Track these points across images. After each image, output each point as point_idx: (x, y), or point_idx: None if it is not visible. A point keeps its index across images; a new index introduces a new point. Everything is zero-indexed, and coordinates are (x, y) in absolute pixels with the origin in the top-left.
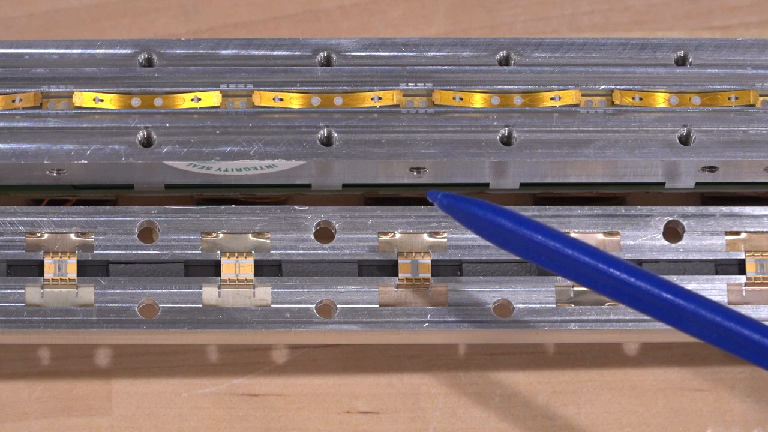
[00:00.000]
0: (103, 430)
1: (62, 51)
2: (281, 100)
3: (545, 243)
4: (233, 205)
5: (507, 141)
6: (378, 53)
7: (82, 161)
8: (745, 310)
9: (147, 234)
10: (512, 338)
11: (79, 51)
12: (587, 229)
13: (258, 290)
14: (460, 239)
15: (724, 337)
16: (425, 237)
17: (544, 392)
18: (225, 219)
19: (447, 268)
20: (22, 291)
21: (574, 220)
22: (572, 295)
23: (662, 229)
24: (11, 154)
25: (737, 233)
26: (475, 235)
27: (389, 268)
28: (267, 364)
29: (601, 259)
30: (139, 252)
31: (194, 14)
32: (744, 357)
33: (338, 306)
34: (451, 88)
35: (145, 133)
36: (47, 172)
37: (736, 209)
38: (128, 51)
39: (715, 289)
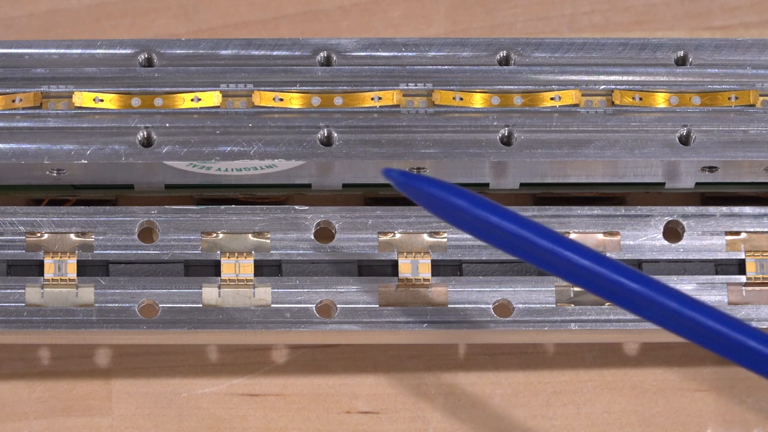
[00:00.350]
0: (103, 430)
1: (62, 51)
2: (281, 100)
3: (499, 224)
4: (233, 205)
5: (507, 141)
6: (378, 53)
7: (82, 161)
8: (745, 310)
9: (147, 234)
10: (512, 338)
11: (79, 51)
12: (587, 229)
13: (258, 290)
14: (460, 239)
15: (696, 332)
16: (425, 237)
17: (544, 392)
18: (225, 219)
19: (447, 268)
20: (22, 291)
21: (574, 220)
22: (572, 295)
23: (662, 229)
24: (11, 154)
25: (737, 233)
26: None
27: (389, 268)
28: (267, 364)
29: (560, 243)
30: (139, 252)
31: (194, 14)
32: (722, 354)
33: (338, 306)
34: (451, 88)
35: (145, 133)
36: (47, 172)
37: (736, 209)
38: (128, 51)
39: (715, 289)
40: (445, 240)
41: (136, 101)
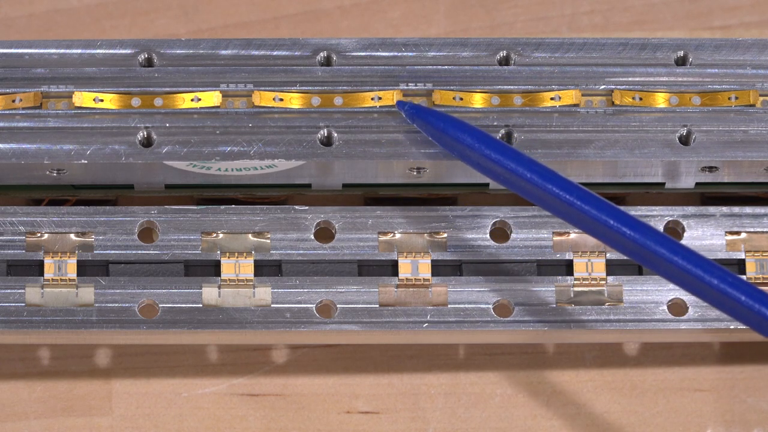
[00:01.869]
0: (103, 430)
1: (62, 51)
2: (281, 100)
3: (501, 161)
4: (233, 205)
5: (507, 141)
6: (378, 53)
7: (82, 161)
8: None
9: (147, 234)
10: (512, 338)
11: (79, 51)
12: None
13: (258, 290)
14: (460, 239)
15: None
16: (425, 237)
17: (544, 392)
18: (225, 219)
19: (447, 268)
20: (22, 291)
21: None
22: (572, 295)
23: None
24: (11, 154)
25: (737, 233)
26: (475, 235)
27: (389, 268)
28: (267, 364)
29: (553, 180)
30: (139, 252)
31: (194, 14)
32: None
33: (338, 306)
34: (451, 88)
35: (145, 133)
36: (47, 172)
37: (736, 209)
38: (128, 51)
39: None
40: (445, 240)
41: (136, 101)
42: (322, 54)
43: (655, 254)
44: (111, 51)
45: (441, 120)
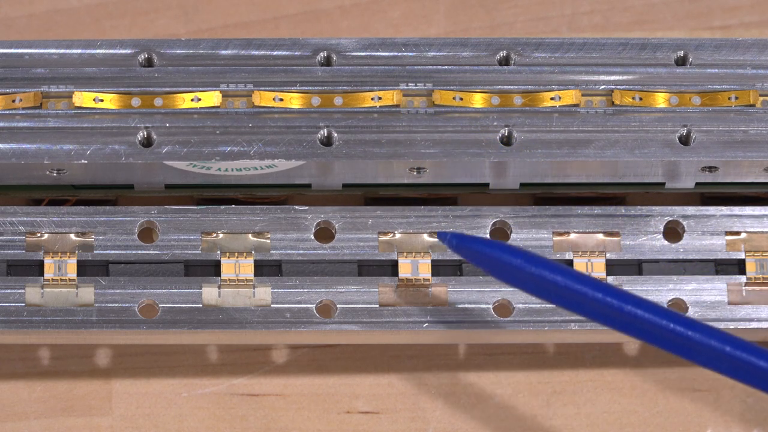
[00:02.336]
0: (103, 430)
1: (62, 51)
2: (281, 100)
3: (553, 279)
4: (233, 205)
5: (507, 141)
6: (378, 53)
7: (82, 161)
8: (745, 310)
9: (147, 234)
10: (512, 338)
11: (79, 51)
12: (587, 229)
13: (258, 290)
14: None
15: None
16: (425, 237)
17: (544, 392)
18: (225, 219)
19: (447, 268)
20: (22, 291)
21: (574, 220)
22: None
23: (662, 229)
24: (11, 154)
25: (737, 233)
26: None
27: (389, 268)
28: (267, 364)
29: (616, 296)
30: (139, 252)
31: (194, 14)
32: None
33: (338, 306)
34: (451, 88)
35: (145, 133)
36: (47, 172)
37: (736, 209)
38: (128, 51)
39: (715, 289)
40: None
41: (136, 101)
42: (322, 54)
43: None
44: (111, 51)
45: (489, 246)
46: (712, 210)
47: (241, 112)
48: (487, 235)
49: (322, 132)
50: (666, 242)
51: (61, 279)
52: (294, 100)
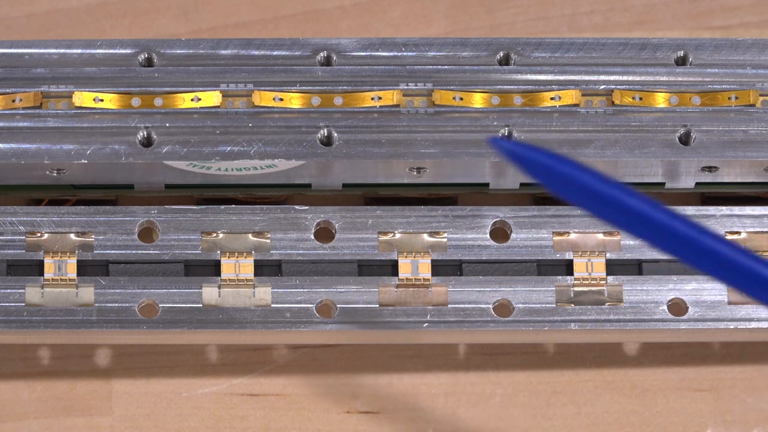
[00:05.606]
0: (103, 430)
1: (62, 51)
2: (281, 100)
3: (602, 190)
4: (233, 205)
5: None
6: (378, 53)
7: (82, 161)
8: (746, 310)
9: (147, 234)
10: (512, 338)
11: (79, 51)
12: (587, 228)
13: (258, 290)
14: (460, 239)
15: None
16: (425, 237)
17: (544, 392)
18: (225, 219)
19: (447, 268)
20: (22, 291)
21: (574, 220)
22: (572, 295)
23: None
24: (11, 154)
25: (737, 233)
26: (475, 235)
27: (389, 268)
28: (267, 364)
29: (664, 214)
30: (139, 252)
31: (194, 14)
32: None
33: (338, 306)
34: (451, 88)
35: (145, 133)
36: (47, 172)
37: (736, 209)
38: (128, 51)
39: (715, 288)
40: (445, 240)
41: (136, 101)
42: (322, 54)
43: None
44: (111, 51)
45: (551, 159)
46: (712, 210)
47: (241, 112)
48: (487, 236)
49: (322, 132)
50: None
51: (61, 279)
52: (294, 100)
